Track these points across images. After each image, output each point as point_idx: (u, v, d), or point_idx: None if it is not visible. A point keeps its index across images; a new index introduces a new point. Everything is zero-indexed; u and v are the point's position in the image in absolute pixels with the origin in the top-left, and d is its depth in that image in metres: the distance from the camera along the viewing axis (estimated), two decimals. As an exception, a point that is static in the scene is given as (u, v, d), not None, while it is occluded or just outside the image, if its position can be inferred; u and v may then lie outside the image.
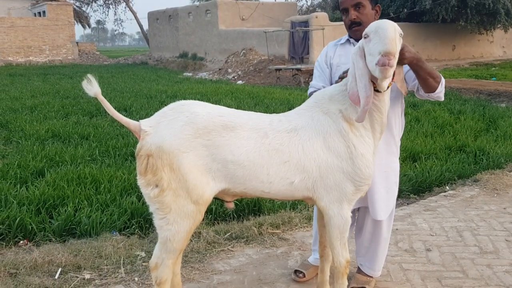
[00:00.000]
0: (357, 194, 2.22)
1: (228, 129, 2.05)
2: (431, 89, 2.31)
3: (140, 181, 2.04)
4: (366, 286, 2.74)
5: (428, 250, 3.24)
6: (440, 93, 2.35)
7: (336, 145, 2.14)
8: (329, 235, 2.25)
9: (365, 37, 2.03)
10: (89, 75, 2.04)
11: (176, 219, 2.04)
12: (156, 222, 2.08)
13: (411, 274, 2.91)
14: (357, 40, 2.53)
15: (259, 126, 2.11)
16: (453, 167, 5.17)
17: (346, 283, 2.33)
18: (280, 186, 2.12)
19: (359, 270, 2.83)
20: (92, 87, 2.01)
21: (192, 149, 2.00)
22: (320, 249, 2.52)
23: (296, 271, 2.90)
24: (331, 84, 2.58)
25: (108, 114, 7.07)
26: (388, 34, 1.92)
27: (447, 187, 4.63)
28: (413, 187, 4.71)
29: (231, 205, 2.27)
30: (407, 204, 4.31)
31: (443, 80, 2.34)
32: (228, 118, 2.08)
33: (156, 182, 2.00)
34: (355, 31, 2.52)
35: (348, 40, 2.65)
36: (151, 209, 2.09)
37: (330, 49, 2.71)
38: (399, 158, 2.71)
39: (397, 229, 3.58)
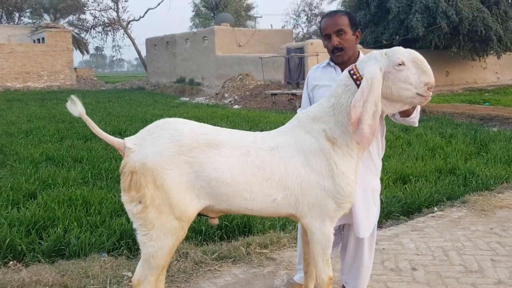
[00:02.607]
0: (339, 212, 2.27)
1: (211, 147, 2.11)
2: (406, 113, 2.40)
3: (124, 198, 2.09)
4: None
5: (413, 269, 3.26)
6: (414, 118, 2.46)
7: (317, 163, 2.20)
8: (312, 252, 2.29)
9: (399, 64, 2.10)
10: (72, 96, 2.11)
11: (159, 235, 2.07)
12: (139, 238, 2.12)
13: (396, 292, 2.94)
14: (337, 64, 2.65)
15: (242, 143, 2.17)
16: (443, 189, 5.22)
17: (328, 299, 2.35)
18: (263, 203, 2.17)
19: None
20: (76, 107, 2.08)
21: (176, 166, 2.05)
22: (304, 266, 2.55)
23: (288, 283, 2.94)
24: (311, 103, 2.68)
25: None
26: (428, 66, 2.09)
27: (436, 208, 4.67)
28: (402, 208, 4.74)
29: (215, 221, 2.31)
30: (396, 225, 4.34)
31: (418, 107, 2.43)
32: (211, 136, 2.14)
33: (140, 198, 2.04)
34: (338, 56, 2.62)
35: (328, 63, 2.75)
36: (134, 226, 2.13)
37: (312, 71, 2.84)
38: (381, 178, 2.76)
39: (383, 249, 3.60)
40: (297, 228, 3.99)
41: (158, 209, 2.04)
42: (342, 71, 2.61)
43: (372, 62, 2.15)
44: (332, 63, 2.71)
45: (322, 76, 2.74)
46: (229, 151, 2.13)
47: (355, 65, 2.25)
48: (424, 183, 5.45)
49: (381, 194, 2.76)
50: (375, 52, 2.21)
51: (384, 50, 2.19)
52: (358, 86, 2.18)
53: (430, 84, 2.10)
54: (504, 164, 6.37)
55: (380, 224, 4.36)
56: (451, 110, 12.30)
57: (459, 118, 11.31)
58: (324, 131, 2.23)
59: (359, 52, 2.68)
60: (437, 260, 3.40)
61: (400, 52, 2.12)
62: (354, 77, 2.20)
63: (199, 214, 2.21)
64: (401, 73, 2.10)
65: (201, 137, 2.11)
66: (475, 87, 22.93)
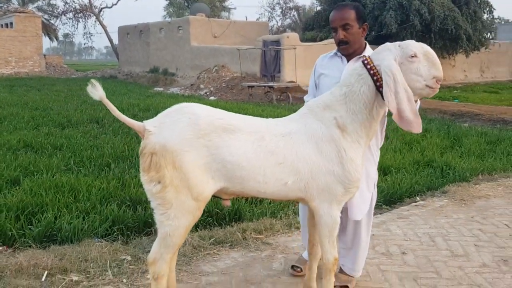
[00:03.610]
0: (346, 196, 2.38)
1: (227, 131, 2.17)
2: None
3: (143, 178, 2.13)
4: (348, 285, 2.88)
5: (403, 253, 3.42)
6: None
7: (327, 150, 2.30)
8: (319, 234, 2.39)
9: (412, 56, 2.20)
10: (93, 80, 2.14)
11: (176, 214, 2.13)
12: (157, 217, 2.17)
13: (389, 274, 3.08)
14: (344, 55, 2.77)
15: (256, 129, 2.25)
16: (422, 180, 5.42)
17: (333, 279, 2.46)
18: (275, 186, 2.25)
19: (341, 270, 2.98)
20: (96, 91, 2.11)
21: (194, 149, 2.11)
22: (309, 247, 2.65)
23: (293, 266, 3.07)
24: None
25: (81, 125, 7.03)
26: (438, 60, 2.22)
27: (418, 198, 4.86)
28: (385, 198, 4.91)
29: (227, 203, 2.39)
30: (380, 213, 4.50)
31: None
32: (228, 121, 2.21)
33: (159, 179, 2.09)
34: (343, 49, 2.75)
35: (335, 53, 2.86)
36: (152, 205, 2.18)
37: (320, 60, 2.95)
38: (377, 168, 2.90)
39: (373, 235, 3.74)
40: (289, 216, 4.12)
41: (176, 189, 2.10)
42: (348, 61, 2.72)
43: (386, 53, 2.26)
44: (339, 53, 2.80)
45: (329, 65, 2.85)
46: (244, 136, 2.20)
47: (369, 56, 2.35)
48: (404, 175, 5.64)
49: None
50: (389, 44, 2.32)
51: (398, 43, 2.30)
52: (371, 75, 2.28)
53: (439, 77, 2.22)
54: (477, 158, 6.66)
55: (366, 213, 4.52)
56: (424, 106, 12.64)
57: (432, 114, 11.66)
58: (335, 119, 2.33)
59: (366, 44, 2.78)
60: (425, 245, 3.58)
61: (413, 45, 2.24)
62: (368, 67, 2.30)
63: (213, 196, 2.27)
64: (413, 64, 2.21)
65: (218, 122, 2.18)
66: (444, 84, 23.49)
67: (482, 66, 27.74)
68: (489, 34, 25.94)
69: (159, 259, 2.19)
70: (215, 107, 2.35)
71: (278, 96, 14.97)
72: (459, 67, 26.13)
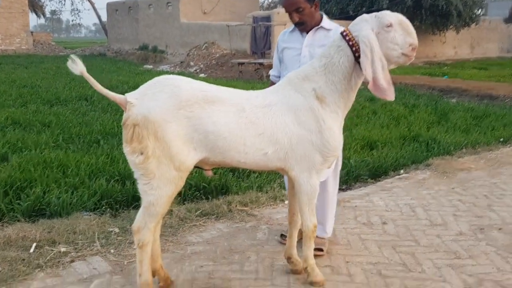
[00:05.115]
0: (324, 165, 2.45)
1: (209, 103, 2.23)
2: None
3: (126, 149, 2.18)
4: (322, 247, 2.99)
5: (384, 223, 3.53)
6: None
7: (306, 120, 2.36)
8: (299, 202, 2.47)
9: (388, 26, 2.27)
10: (72, 55, 2.17)
11: (159, 184, 2.19)
12: (140, 187, 2.23)
13: (368, 243, 3.18)
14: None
15: (237, 101, 2.31)
16: (407, 154, 5.52)
17: (313, 245, 2.56)
18: (255, 156, 2.32)
19: None
20: (76, 65, 2.13)
21: (176, 120, 2.16)
22: (289, 216, 2.74)
23: (282, 235, 3.18)
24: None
25: (70, 103, 6.99)
26: (413, 29, 2.28)
27: (402, 171, 4.96)
28: (370, 172, 5.01)
29: (209, 173, 2.45)
30: (365, 186, 4.60)
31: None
32: (209, 93, 2.26)
33: (141, 149, 2.14)
34: (301, 29, 2.93)
35: (294, 28, 3.00)
36: (135, 176, 2.24)
37: (282, 35, 3.11)
38: (347, 143, 2.98)
39: (356, 206, 3.86)
40: (275, 189, 4.20)
41: (158, 159, 2.15)
42: (307, 33, 2.88)
43: (364, 24, 2.31)
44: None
45: (290, 39, 3.02)
46: (225, 107, 2.25)
47: (347, 28, 2.40)
48: (390, 149, 5.73)
49: (348, 157, 2.99)
50: (366, 15, 2.37)
51: (374, 13, 2.35)
52: (350, 46, 2.34)
53: (414, 45, 2.28)
54: (462, 132, 6.77)
55: (350, 186, 4.62)
56: (413, 82, 12.73)
57: (421, 90, 11.74)
58: (314, 90, 2.38)
59: (321, 15, 2.93)
60: (405, 216, 3.68)
61: (389, 15, 2.30)
62: (347, 38, 2.35)
63: (195, 166, 2.33)
64: (389, 34, 2.27)
65: (200, 94, 2.22)
66: (434, 60, 23.60)
67: (472, 42, 27.78)
68: (479, 10, 25.83)
69: (143, 227, 2.26)
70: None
71: (268, 73, 14.91)
72: (450, 43, 26.14)
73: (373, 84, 2.25)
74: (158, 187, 2.19)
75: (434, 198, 4.08)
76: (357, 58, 2.34)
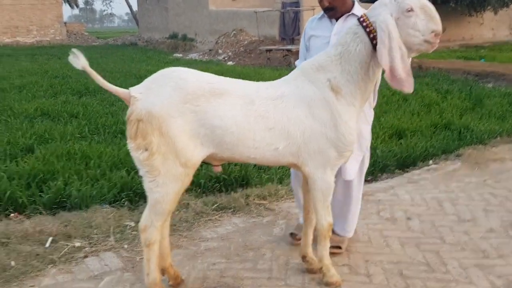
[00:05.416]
0: (340, 160, 2.32)
1: (216, 96, 2.12)
2: None
3: (130, 145, 2.12)
4: (340, 245, 2.86)
5: (408, 218, 3.36)
6: None
7: (320, 113, 2.22)
8: (313, 199, 2.35)
9: (408, 10, 2.09)
10: (74, 50, 2.10)
11: (165, 181, 2.12)
12: (146, 184, 2.16)
13: (391, 240, 3.03)
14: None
15: (246, 93, 2.19)
16: (438, 143, 5.28)
17: (329, 244, 2.45)
18: (266, 151, 2.20)
19: (333, 231, 2.93)
20: (78, 60, 2.07)
21: (181, 114, 2.07)
22: (304, 214, 2.62)
23: (291, 234, 3.04)
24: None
25: (99, 93, 7.03)
26: (436, 13, 2.08)
27: (431, 162, 4.74)
28: (398, 162, 4.81)
29: (218, 169, 2.36)
30: (391, 178, 4.42)
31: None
32: (216, 85, 2.15)
33: (146, 146, 2.07)
34: (330, 15, 2.71)
35: (324, 14, 2.79)
36: (140, 173, 2.17)
37: (310, 22, 2.89)
38: (374, 131, 2.81)
39: (379, 200, 3.69)
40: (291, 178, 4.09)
41: (163, 156, 2.08)
42: (337, 21, 2.65)
43: (382, 9, 2.14)
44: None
45: (318, 26, 2.80)
46: (233, 100, 2.14)
47: (365, 14, 2.23)
48: (419, 138, 5.50)
49: (374, 146, 2.82)
50: None
51: None
52: (367, 33, 2.18)
53: (438, 31, 2.09)
54: (498, 119, 6.43)
55: (376, 177, 4.44)
56: (447, 66, 12.23)
57: (455, 74, 11.27)
58: (329, 81, 2.24)
59: (353, 2, 2.71)
60: (432, 210, 3.50)
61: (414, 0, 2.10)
62: (364, 24, 2.19)
63: (203, 162, 2.24)
64: (410, 19, 2.09)
65: (206, 86, 2.12)
66: (471, 43, 22.67)
67: (511, 23, 26.50)
68: (520, -11, 24.58)
69: (150, 226, 2.19)
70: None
71: (297, 59, 14.69)
72: (487, 25, 25.03)
73: (390, 74, 2.08)
74: (164, 184, 2.12)
75: (464, 191, 3.86)
76: (375, 46, 2.17)
